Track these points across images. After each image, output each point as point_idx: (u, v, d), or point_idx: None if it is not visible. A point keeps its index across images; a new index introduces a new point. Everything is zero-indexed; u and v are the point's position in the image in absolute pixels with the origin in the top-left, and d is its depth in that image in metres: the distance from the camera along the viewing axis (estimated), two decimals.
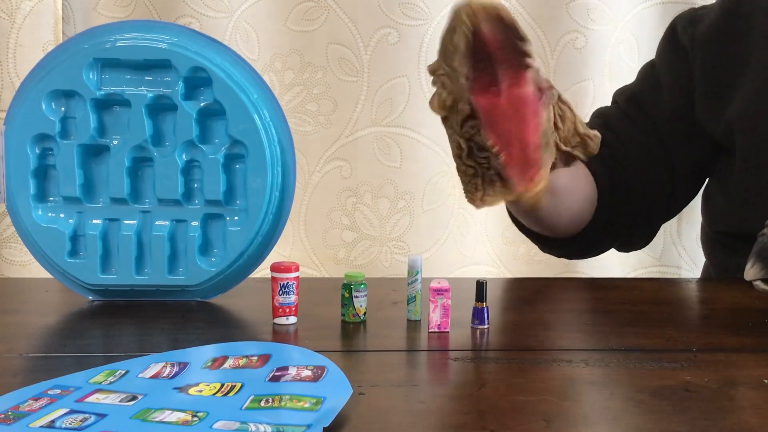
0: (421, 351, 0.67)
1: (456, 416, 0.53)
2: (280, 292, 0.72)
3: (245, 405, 0.52)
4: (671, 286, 0.98)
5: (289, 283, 0.72)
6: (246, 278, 0.82)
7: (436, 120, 0.73)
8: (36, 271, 1.21)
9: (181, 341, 0.68)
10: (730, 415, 0.53)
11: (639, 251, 1.20)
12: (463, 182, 0.74)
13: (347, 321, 0.73)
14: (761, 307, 0.78)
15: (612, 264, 1.43)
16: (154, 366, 0.60)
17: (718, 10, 1.00)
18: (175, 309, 0.79)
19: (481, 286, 0.71)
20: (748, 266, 0.69)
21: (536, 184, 0.65)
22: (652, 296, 0.86)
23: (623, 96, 1.05)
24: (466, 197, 0.74)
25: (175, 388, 0.55)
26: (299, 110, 1.39)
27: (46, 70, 0.78)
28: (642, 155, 1.00)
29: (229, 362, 0.60)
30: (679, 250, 1.48)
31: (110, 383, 0.56)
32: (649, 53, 1.37)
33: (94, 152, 0.80)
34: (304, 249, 1.42)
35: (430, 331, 0.71)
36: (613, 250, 1.08)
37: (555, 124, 0.71)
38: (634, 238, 1.06)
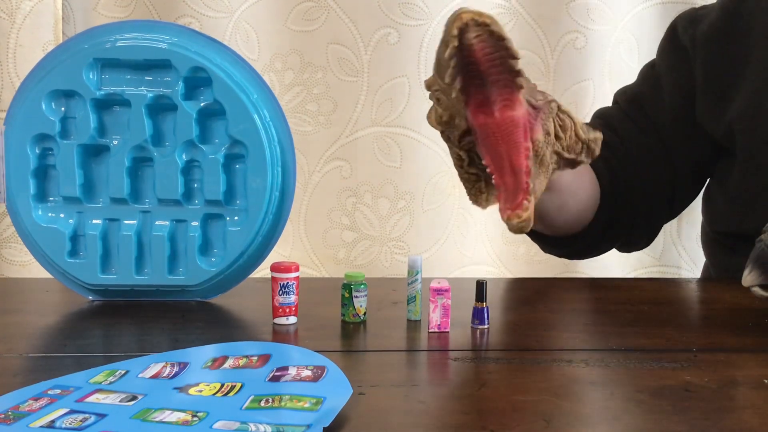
0: (421, 351, 0.67)
1: (456, 416, 0.53)
2: (280, 292, 0.72)
3: (245, 405, 0.52)
4: (671, 286, 0.98)
5: (289, 283, 0.72)
6: (246, 278, 0.82)
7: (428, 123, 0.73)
8: (36, 271, 1.21)
9: (181, 341, 0.68)
10: (730, 415, 0.53)
11: (639, 251, 1.20)
12: (466, 188, 0.74)
13: (347, 321, 0.73)
14: (761, 307, 0.78)
15: (612, 264, 1.43)
16: (154, 366, 0.60)
17: (719, 10, 1.00)
18: (175, 309, 0.79)
19: (481, 286, 0.71)
20: (745, 272, 0.69)
21: (522, 211, 0.65)
22: (652, 296, 0.86)
23: (624, 97, 1.05)
24: (471, 200, 0.74)
25: (175, 388, 0.55)
26: (299, 110, 1.39)
27: (46, 70, 0.78)
28: (643, 156, 1.00)
29: (229, 362, 0.60)
30: (679, 250, 1.48)
31: (110, 383, 0.56)
32: (649, 53, 1.37)
33: (94, 152, 0.80)
34: (304, 249, 1.42)
35: (430, 331, 0.71)
36: (613, 250, 1.09)
37: (556, 134, 0.71)
38: (635, 239, 1.06)
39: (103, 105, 0.79)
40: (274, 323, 0.73)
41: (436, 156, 1.39)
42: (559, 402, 0.55)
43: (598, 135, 0.73)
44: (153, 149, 0.79)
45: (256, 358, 0.60)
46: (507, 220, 0.65)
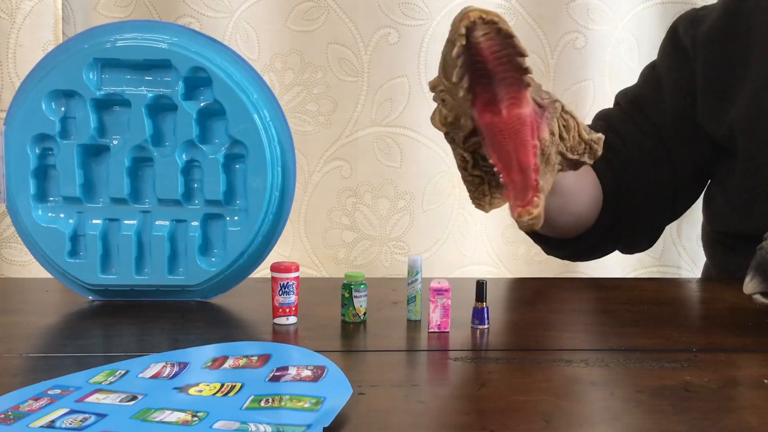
0: (421, 351, 0.67)
1: (456, 416, 0.53)
2: (280, 292, 0.72)
3: (245, 405, 0.52)
4: (671, 286, 0.98)
5: (289, 283, 0.72)
6: (246, 278, 0.82)
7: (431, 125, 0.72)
8: (36, 271, 1.21)
9: (181, 341, 0.68)
10: (730, 415, 0.53)
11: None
12: (469, 190, 0.74)
13: (347, 321, 0.73)
14: (761, 308, 0.78)
15: (612, 264, 1.43)
16: (154, 366, 0.60)
17: (720, 10, 1.00)
18: (175, 309, 0.79)
19: (481, 286, 0.71)
20: (747, 280, 0.69)
21: (533, 207, 0.65)
22: (652, 296, 0.86)
23: (625, 98, 1.05)
24: (474, 203, 0.74)
25: (175, 388, 0.55)
26: (299, 110, 1.39)
27: (46, 70, 0.78)
28: (644, 158, 1.00)
29: (229, 362, 0.60)
30: (679, 250, 1.48)
31: (110, 383, 0.56)
32: (649, 53, 1.37)
33: (94, 152, 0.80)
34: (304, 249, 1.42)
35: (430, 331, 0.71)
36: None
37: (560, 135, 0.70)
38: (637, 240, 1.06)
39: (103, 105, 0.79)
40: (274, 323, 0.73)
41: (436, 156, 1.39)
42: (559, 402, 0.55)
43: (601, 136, 0.73)
44: (153, 149, 0.79)
45: (256, 358, 0.60)
46: (517, 218, 0.65)
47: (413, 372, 0.63)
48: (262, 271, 0.84)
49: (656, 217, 1.04)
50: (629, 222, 1.01)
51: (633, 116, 1.02)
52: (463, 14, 0.62)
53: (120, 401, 0.53)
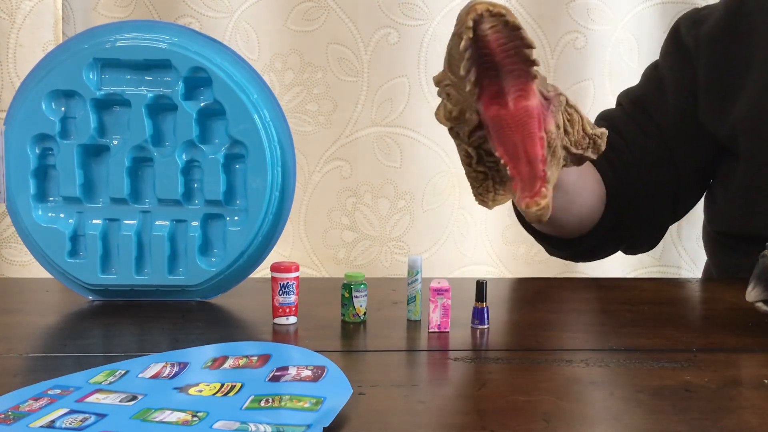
0: (421, 351, 0.67)
1: (456, 416, 0.53)
2: (280, 292, 0.72)
3: (245, 405, 0.52)
4: (671, 286, 0.98)
5: (289, 283, 0.72)
6: (246, 278, 0.82)
7: (436, 120, 0.72)
8: (36, 271, 1.21)
9: (181, 341, 0.68)
10: (730, 415, 0.53)
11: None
12: (473, 186, 0.74)
13: (347, 321, 0.73)
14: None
15: (612, 264, 1.43)
16: (154, 366, 0.59)
17: (722, 9, 1.00)
18: (175, 309, 0.79)
19: (481, 286, 0.71)
20: (749, 288, 0.69)
21: (541, 198, 0.65)
22: (652, 296, 0.86)
23: (627, 99, 1.05)
24: (477, 200, 0.73)
25: (175, 388, 0.55)
26: (299, 110, 1.39)
27: (46, 70, 0.78)
28: (647, 158, 1.00)
29: (229, 362, 0.60)
30: (679, 250, 1.48)
31: (110, 383, 0.56)
32: (649, 53, 1.38)
33: (94, 152, 0.80)
34: (304, 249, 1.42)
35: (430, 331, 0.71)
36: None
37: (564, 129, 0.70)
38: (639, 241, 1.06)
39: (103, 105, 0.79)
40: (274, 323, 0.73)
41: (436, 156, 1.39)
42: (559, 402, 0.55)
43: (604, 131, 0.73)
44: (153, 149, 0.79)
45: (256, 358, 0.60)
46: (526, 208, 0.65)
47: (413, 372, 0.63)
48: (262, 271, 0.84)
49: (658, 218, 1.04)
50: (631, 222, 1.01)
51: (635, 117, 1.02)
52: (470, 7, 0.62)
53: (120, 401, 0.53)
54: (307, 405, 0.51)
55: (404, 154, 1.39)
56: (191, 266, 0.79)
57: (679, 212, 1.07)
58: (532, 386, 0.58)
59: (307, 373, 0.57)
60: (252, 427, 0.48)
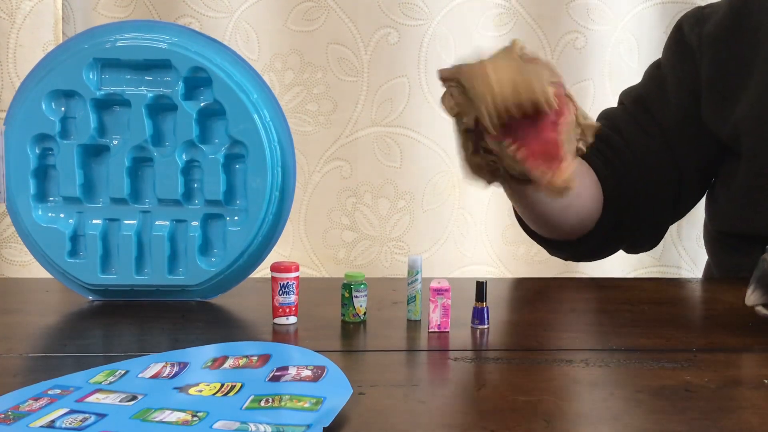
0: (421, 351, 0.67)
1: (456, 416, 0.53)
2: (280, 292, 0.72)
3: (245, 405, 0.52)
4: (671, 286, 0.98)
5: (289, 283, 0.72)
6: (246, 278, 0.82)
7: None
8: (36, 271, 1.21)
9: (181, 341, 0.68)
10: (730, 415, 0.53)
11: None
12: (467, 170, 0.74)
13: (347, 321, 0.73)
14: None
15: (612, 264, 1.43)
16: (154, 366, 0.59)
17: (726, 7, 0.99)
18: (175, 309, 0.79)
19: (481, 286, 0.71)
20: (748, 292, 0.69)
21: (563, 172, 0.65)
22: (652, 296, 0.86)
23: (629, 97, 1.04)
24: (467, 177, 0.74)
25: (175, 388, 0.55)
26: (299, 110, 1.39)
27: (46, 70, 0.78)
28: (648, 159, 1.00)
29: (229, 362, 0.60)
30: (679, 250, 1.48)
31: (110, 383, 0.56)
32: (649, 53, 1.38)
33: (94, 152, 0.80)
34: (304, 249, 1.42)
35: (430, 331, 0.71)
36: None
37: None
38: (640, 240, 1.06)
39: (103, 105, 0.79)
40: (274, 323, 0.73)
41: (436, 156, 1.39)
42: (559, 402, 0.55)
43: (594, 124, 0.74)
44: (153, 149, 0.79)
45: (256, 358, 0.60)
46: (549, 185, 0.66)
47: (413, 372, 0.63)
48: (262, 271, 0.84)
49: (659, 218, 1.04)
50: (632, 222, 1.01)
51: (636, 116, 1.02)
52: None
53: (120, 401, 0.53)
54: (307, 405, 0.51)
55: (404, 154, 1.39)
56: (191, 266, 0.79)
57: (680, 212, 1.06)
58: (532, 386, 0.58)
59: (307, 373, 0.57)
60: (252, 427, 0.48)
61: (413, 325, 0.73)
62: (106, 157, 0.79)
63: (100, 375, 0.58)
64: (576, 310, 0.83)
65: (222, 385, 0.55)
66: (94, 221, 0.80)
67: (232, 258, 0.79)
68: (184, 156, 0.79)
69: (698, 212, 1.12)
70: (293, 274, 0.72)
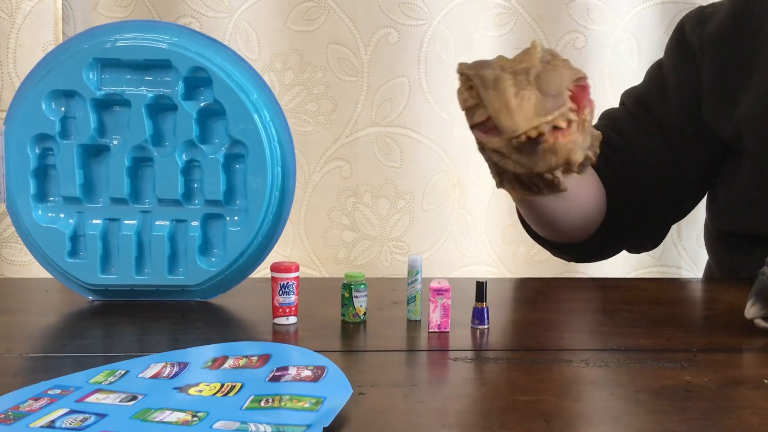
0: (421, 351, 0.67)
1: (456, 416, 0.53)
2: (280, 292, 0.72)
3: (245, 405, 0.52)
4: (671, 286, 0.98)
5: (289, 283, 0.72)
6: (246, 278, 0.82)
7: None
8: (36, 271, 1.21)
9: (181, 341, 0.68)
10: (730, 415, 0.53)
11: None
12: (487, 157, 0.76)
13: (347, 321, 0.73)
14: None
15: (612, 264, 1.42)
16: (154, 366, 0.60)
17: (728, 8, 0.99)
18: (175, 309, 0.79)
19: (481, 286, 0.71)
20: (748, 305, 0.69)
21: (570, 133, 0.68)
22: (652, 296, 0.86)
23: (630, 98, 1.04)
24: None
25: (175, 388, 0.55)
26: (299, 110, 1.39)
27: (46, 70, 0.78)
28: (649, 158, 1.00)
29: (229, 362, 0.60)
30: (679, 250, 1.48)
31: (110, 383, 0.56)
32: (649, 53, 1.38)
33: (94, 152, 0.80)
34: (304, 249, 1.42)
35: (430, 331, 0.71)
36: None
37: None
38: (641, 241, 1.06)
39: (103, 105, 0.79)
40: (274, 323, 0.73)
41: (436, 156, 1.39)
42: (559, 402, 0.55)
43: (599, 133, 0.74)
44: (153, 149, 0.79)
45: (256, 358, 0.60)
46: (552, 147, 0.70)
47: (413, 372, 0.63)
48: (262, 271, 0.84)
49: (661, 218, 1.04)
50: (634, 222, 1.01)
51: (638, 117, 1.02)
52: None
53: (120, 401, 0.53)
54: (307, 405, 0.51)
55: (404, 154, 1.39)
56: (191, 266, 0.79)
57: (681, 211, 1.06)
58: (532, 386, 0.58)
59: (307, 373, 0.57)
60: (252, 427, 0.48)
61: (413, 325, 0.73)
62: (106, 157, 0.79)
63: (100, 375, 0.58)
64: (576, 310, 0.83)
65: (222, 385, 0.55)
66: (94, 221, 0.80)
67: (232, 258, 0.79)
68: (184, 156, 0.79)
69: (698, 212, 1.12)
70: (293, 274, 0.72)
